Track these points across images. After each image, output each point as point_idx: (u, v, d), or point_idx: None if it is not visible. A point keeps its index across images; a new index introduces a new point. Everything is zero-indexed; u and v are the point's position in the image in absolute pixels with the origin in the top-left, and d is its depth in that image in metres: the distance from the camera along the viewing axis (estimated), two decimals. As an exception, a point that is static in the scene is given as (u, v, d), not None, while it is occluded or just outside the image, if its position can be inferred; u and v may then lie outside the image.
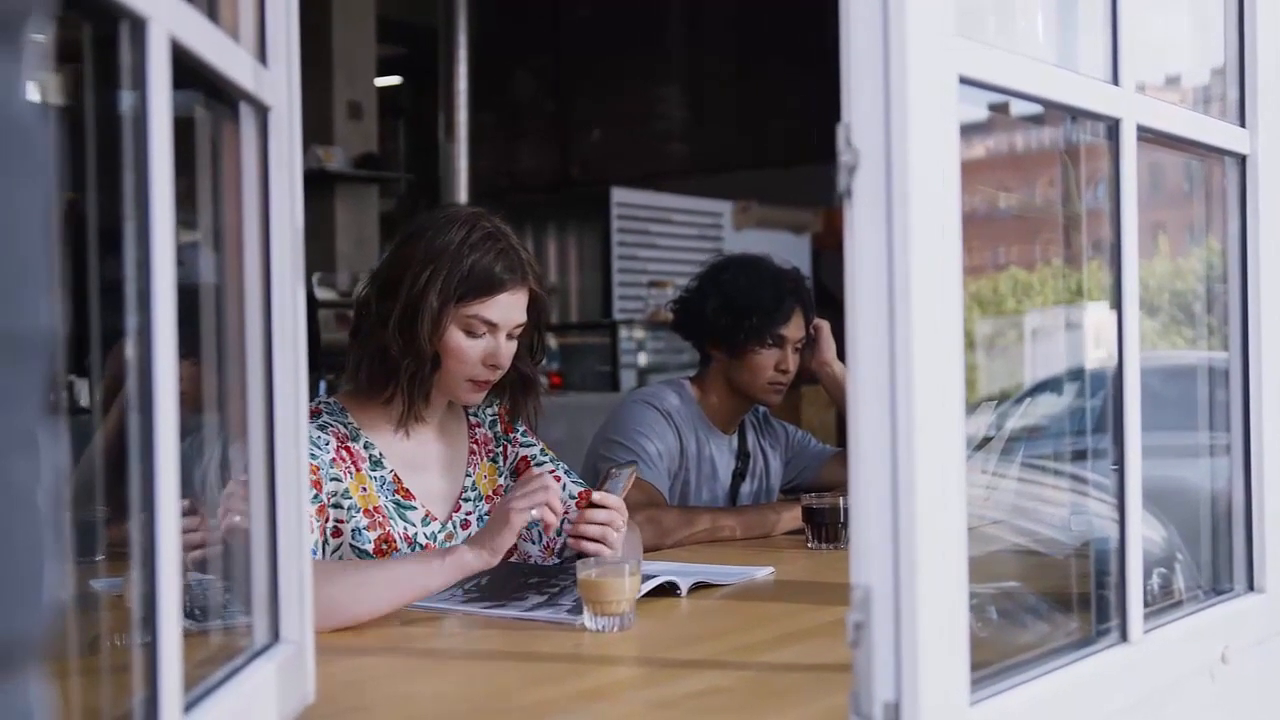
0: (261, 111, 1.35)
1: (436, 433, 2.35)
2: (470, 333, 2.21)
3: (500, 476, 2.42)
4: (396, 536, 2.20)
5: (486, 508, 2.36)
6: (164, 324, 1.01)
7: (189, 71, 1.11)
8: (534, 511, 2.00)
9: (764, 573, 2.37)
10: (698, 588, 2.20)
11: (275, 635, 1.37)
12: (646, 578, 2.05)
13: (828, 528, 2.67)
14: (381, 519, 2.19)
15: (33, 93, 0.56)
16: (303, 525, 1.40)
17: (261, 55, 1.35)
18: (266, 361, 1.36)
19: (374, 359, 2.22)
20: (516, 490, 2.04)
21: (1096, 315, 1.88)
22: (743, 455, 3.18)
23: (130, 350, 1.01)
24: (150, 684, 1.00)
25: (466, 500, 2.35)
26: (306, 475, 1.43)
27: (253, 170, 1.35)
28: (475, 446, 2.40)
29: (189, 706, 1.08)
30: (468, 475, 2.37)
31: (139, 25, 0.99)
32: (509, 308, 2.23)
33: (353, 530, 2.16)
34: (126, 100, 1.01)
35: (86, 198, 1.01)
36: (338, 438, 2.21)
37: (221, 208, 1.35)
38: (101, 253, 1.02)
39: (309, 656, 1.42)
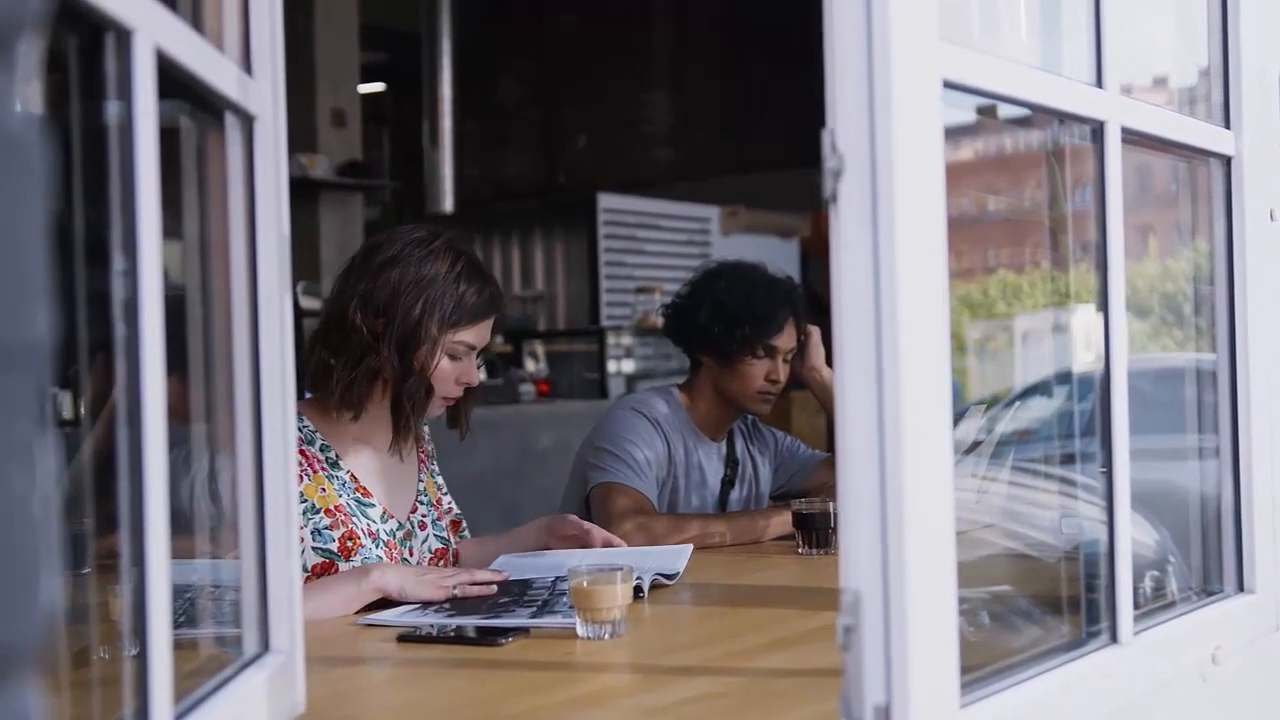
0: (247, 121, 1.34)
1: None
2: (453, 356, 2.33)
3: (439, 490, 2.54)
4: (360, 532, 2.29)
5: (436, 514, 2.48)
6: (151, 335, 1.01)
7: (173, 81, 1.11)
8: (457, 590, 2.14)
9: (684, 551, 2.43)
10: (657, 587, 2.23)
11: (265, 645, 1.37)
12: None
13: (818, 533, 2.66)
14: (344, 517, 2.28)
15: (26, 104, 0.56)
16: (292, 536, 1.40)
17: (246, 65, 1.35)
18: (254, 373, 1.35)
19: (364, 379, 2.29)
20: (450, 576, 2.18)
21: (1085, 318, 1.88)
22: (731, 462, 3.17)
23: (117, 361, 1.00)
24: (141, 695, 1.00)
25: (422, 504, 2.46)
26: (295, 486, 1.43)
27: (239, 180, 1.35)
28: (424, 457, 2.52)
29: (179, 717, 1.08)
30: (420, 481, 2.48)
31: (124, 36, 0.99)
32: (487, 331, 2.38)
33: (313, 532, 2.24)
34: (112, 110, 1.00)
35: (71, 208, 1.01)
36: None
37: (207, 218, 1.34)
38: (87, 263, 1.02)
39: (299, 666, 1.42)
